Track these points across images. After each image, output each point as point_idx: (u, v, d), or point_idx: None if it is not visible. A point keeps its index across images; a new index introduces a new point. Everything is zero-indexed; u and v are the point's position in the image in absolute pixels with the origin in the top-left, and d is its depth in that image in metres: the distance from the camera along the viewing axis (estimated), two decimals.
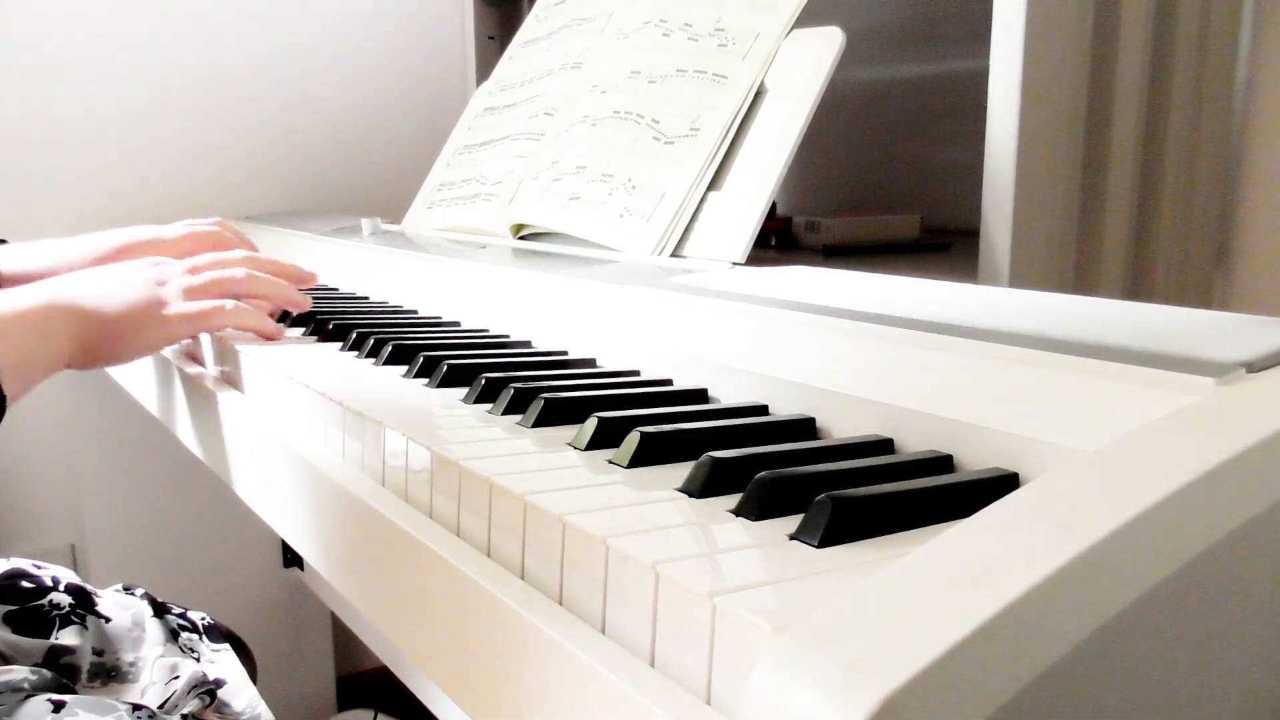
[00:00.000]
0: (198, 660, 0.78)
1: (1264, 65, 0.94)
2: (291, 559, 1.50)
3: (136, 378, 0.90)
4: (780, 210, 1.27)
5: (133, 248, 0.85)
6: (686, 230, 0.77)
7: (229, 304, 0.70)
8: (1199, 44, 0.90)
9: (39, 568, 0.81)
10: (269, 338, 0.71)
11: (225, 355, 0.71)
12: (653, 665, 0.30)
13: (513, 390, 0.50)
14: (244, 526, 1.50)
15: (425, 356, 0.59)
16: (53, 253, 0.85)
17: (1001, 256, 0.77)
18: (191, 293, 0.70)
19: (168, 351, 0.79)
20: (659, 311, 0.59)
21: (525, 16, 1.19)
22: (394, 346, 0.63)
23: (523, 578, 0.37)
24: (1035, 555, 0.24)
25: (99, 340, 0.67)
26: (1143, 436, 0.31)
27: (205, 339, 0.75)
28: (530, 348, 0.66)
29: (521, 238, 0.96)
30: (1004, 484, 0.36)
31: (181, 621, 0.82)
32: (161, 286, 0.70)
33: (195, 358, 0.78)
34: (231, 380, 0.70)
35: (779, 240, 1.07)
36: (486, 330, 0.72)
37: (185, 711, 0.70)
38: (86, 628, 0.76)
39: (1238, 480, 0.28)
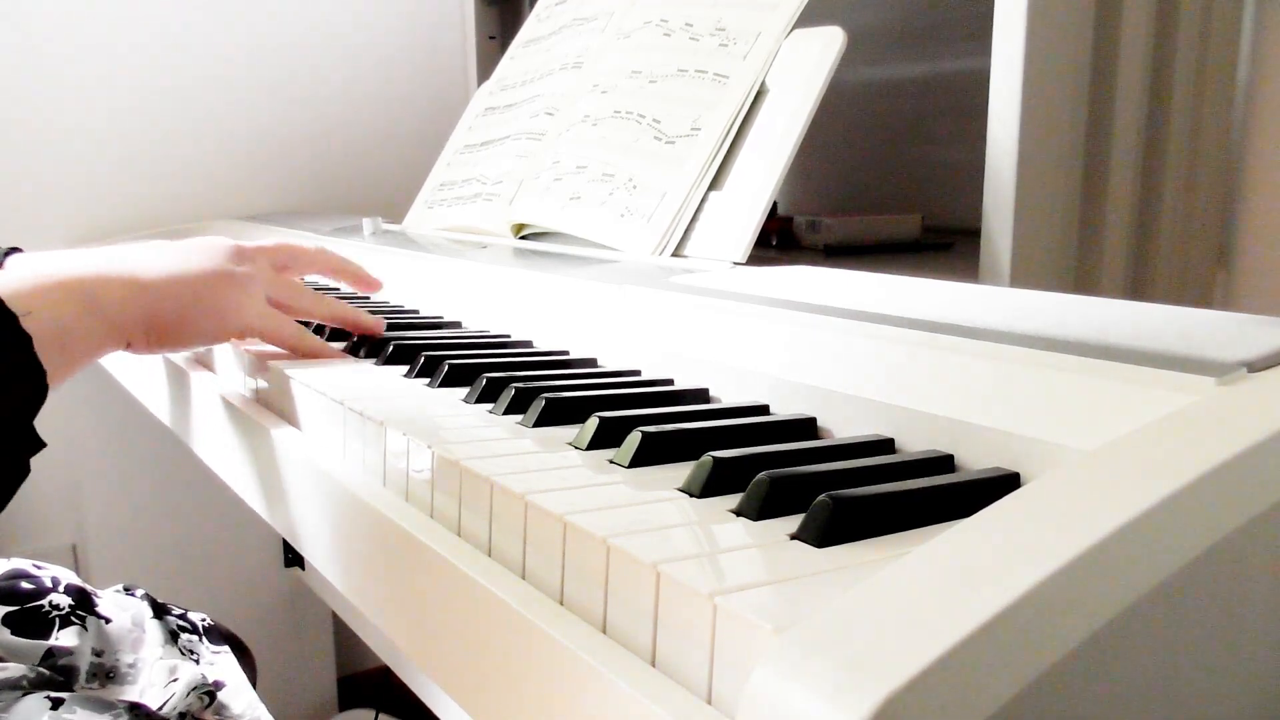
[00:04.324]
0: (197, 662, 0.78)
1: (1265, 64, 0.94)
2: (292, 558, 1.50)
3: (138, 379, 0.90)
4: (781, 210, 1.27)
5: None
6: (687, 230, 0.77)
7: (307, 334, 0.65)
8: (1200, 43, 0.90)
9: (39, 568, 0.81)
10: (366, 329, 0.66)
11: (227, 350, 0.71)
12: (653, 665, 0.30)
13: (514, 390, 0.50)
14: (245, 526, 1.50)
15: (426, 356, 0.59)
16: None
17: (1002, 256, 0.77)
18: (276, 265, 0.66)
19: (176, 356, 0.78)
20: (660, 311, 0.59)
21: (526, 16, 1.19)
22: (395, 346, 0.63)
23: (524, 577, 0.37)
24: (1036, 555, 0.24)
25: (168, 318, 0.59)
26: (1143, 436, 0.31)
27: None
28: (531, 348, 0.66)
29: (522, 237, 0.96)
30: (1005, 484, 0.36)
31: (181, 623, 0.82)
32: (239, 264, 0.63)
33: (204, 362, 0.78)
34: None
35: (780, 240, 1.07)
36: (487, 330, 0.72)
37: (183, 711, 0.70)
38: (86, 629, 0.76)
39: (1238, 480, 0.28)
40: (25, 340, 0.49)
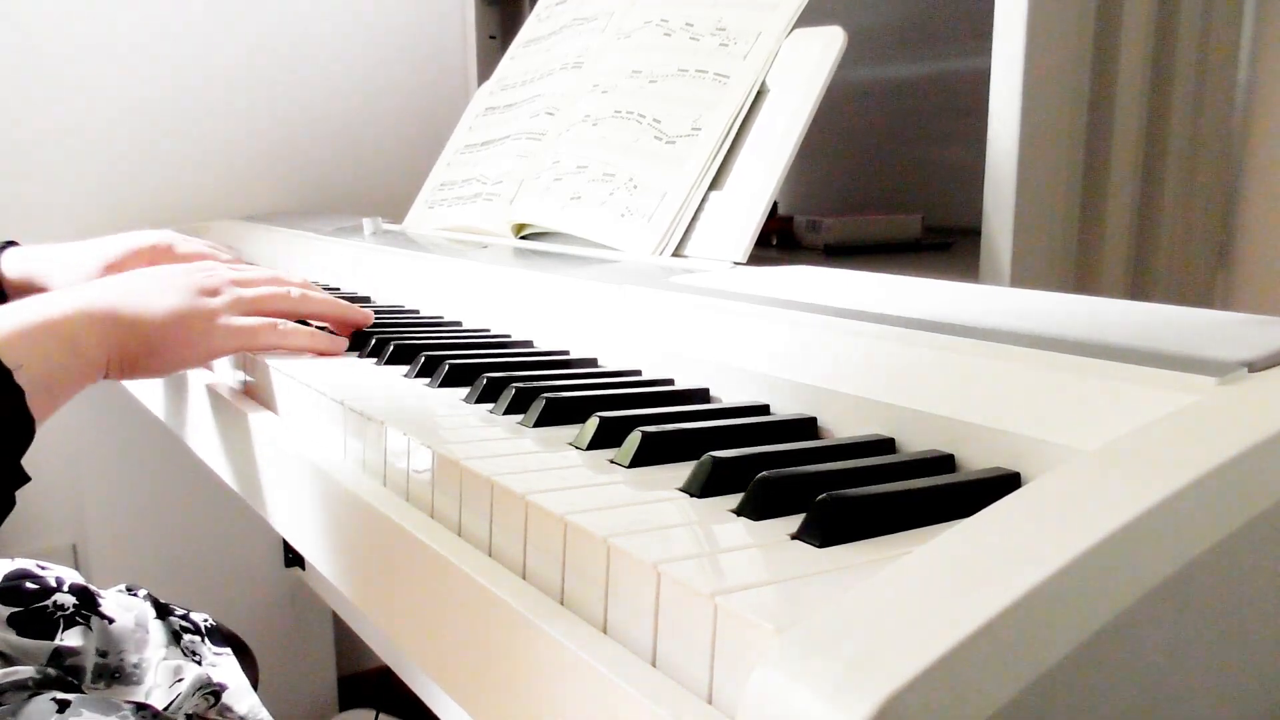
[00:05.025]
0: (199, 664, 0.78)
1: (1265, 65, 0.94)
2: (292, 559, 1.50)
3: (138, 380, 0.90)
4: (781, 210, 1.27)
5: (141, 253, 0.85)
6: (688, 230, 0.77)
7: (280, 323, 0.66)
8: (1200, 43, 0.90)
9: (43, 568, 0.81)
10: (327, 354, 0.67)
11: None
12: (654, 665, 0.30)
13: (514, 390, 0.50)
14: (245, 526, 1.50)
15: (427, 356, 0.59)
16: (59, 256, 0.85)
17: (1003, 256, 0.77)
18: (242, 305, 0.66)
19: None
20: (660, 311, 0.59)
21: (526, 16, 1.19)
22: (395, 346, 0.63)
23: (524, 577, 0.37)
24: (1036, 555, 0.24)
25: (138, 352, 0.63)
26: (1144, 436, 0.31)
27: None
28: (532, 347, 0.66)
29: (523, 237, 0.96)
30: (1005, 484, 0.36)
31: (184, 623, 0.82)
32: (209, 296, 0.66)
33: None
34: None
35: (780, 240, 1.07)
36: (488, 330, 0.72)
37: (189, 712, 0.70)
38: (90, 629, 0.76)
39: (1239, 480, 0.28)
40: (19, 394, 0.53)
